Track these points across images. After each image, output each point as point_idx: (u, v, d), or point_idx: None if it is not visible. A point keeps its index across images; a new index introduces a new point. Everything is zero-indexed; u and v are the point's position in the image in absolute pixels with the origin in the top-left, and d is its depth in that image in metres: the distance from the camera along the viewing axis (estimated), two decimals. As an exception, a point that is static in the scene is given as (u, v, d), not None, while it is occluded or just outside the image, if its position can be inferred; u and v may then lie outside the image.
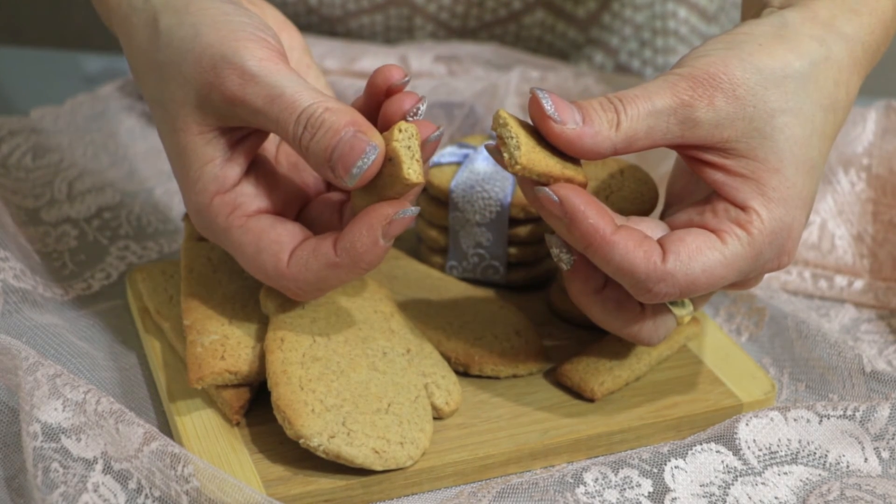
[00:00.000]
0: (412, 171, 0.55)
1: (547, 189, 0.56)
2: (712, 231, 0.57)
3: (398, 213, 0.56)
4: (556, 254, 0.59)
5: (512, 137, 0.55)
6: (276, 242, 0.58)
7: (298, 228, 0.59)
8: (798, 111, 0.58)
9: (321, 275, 0.57)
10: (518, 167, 0.55)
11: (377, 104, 0.59)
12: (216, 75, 0.56)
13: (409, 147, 0.55)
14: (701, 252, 0.56)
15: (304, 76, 0.66)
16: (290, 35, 0.68)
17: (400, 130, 0.55)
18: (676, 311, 0.61)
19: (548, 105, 0.55)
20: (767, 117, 0.57)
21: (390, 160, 0.55)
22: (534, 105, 0.56)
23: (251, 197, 0.59)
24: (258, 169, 0.60)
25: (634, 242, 0.56)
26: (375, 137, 0.55)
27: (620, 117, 0.56)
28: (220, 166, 0.58)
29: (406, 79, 0.58)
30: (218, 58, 0.56)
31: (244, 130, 0.59)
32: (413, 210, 0.57)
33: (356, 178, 0.55)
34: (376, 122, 0.59)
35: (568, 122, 0.55)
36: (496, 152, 0.57)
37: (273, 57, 0.57)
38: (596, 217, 0.55)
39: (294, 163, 0.64)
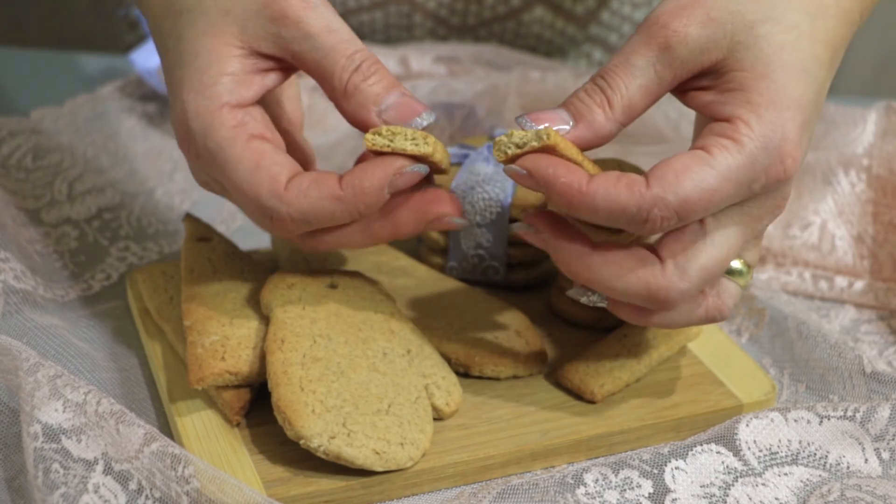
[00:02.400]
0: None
1: (513, 165, 0.56)
2: (700, 149, 0.55)
3: (411, 167, 0.56)
4: (588, 300, 0.59)
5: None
6: (278, 164, 0.56)
7: (298, 166, 0.58)
8: (780, 18, 0.56)
9: (318, 205, 0.56)
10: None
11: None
12: None
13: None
14: (688, 169, 0.54)
15: (290, 85, 0.67)
16: None
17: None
18: (735, 279, 0.59)
19: (527, 124, 0.56)
20: (748, 29, 0.56)
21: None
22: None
23: (259, 123, 0.58)
24: (270, 111, 0.60)
25: (612, 181, 0.54)
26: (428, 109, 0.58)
27: (608, 94, 0.56)
28: (238, 82, 0.57)
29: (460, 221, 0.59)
30: None
31: (272, 62, 0.58)
32: (424, 168, 0.57)
33: (417, 126, 0.56)
34: None
35: (558, 126, 0.56)
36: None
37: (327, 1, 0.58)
38: (567, 174, 0.54)
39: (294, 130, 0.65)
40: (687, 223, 0.55)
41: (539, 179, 0.55)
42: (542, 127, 0.56)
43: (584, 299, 0.59)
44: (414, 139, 0.56)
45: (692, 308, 0.58)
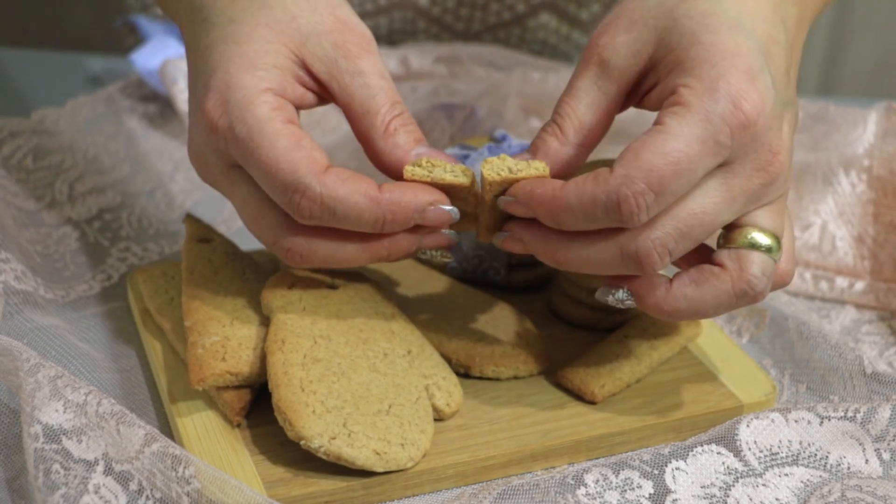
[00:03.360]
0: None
1: (503, 196, 0.58)
2: (653, 126, 0.55)
3: (446, 207, 0.58)
4: (615, 300, 0.59)
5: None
6: (317, 150, 0.57)
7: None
8: None
9: (352, 198, 0.56)
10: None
11: None
12: (348, 28, 0.60)
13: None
14: (644, 143, 0.54)
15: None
16: None
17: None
18: (761, 252, 0.58)
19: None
20: (667, 14, 0.57)
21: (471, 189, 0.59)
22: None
23: (295, 116, 0.59)
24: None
25: (581, 180, 0.55)
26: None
27: (559, 122, 0.59)
28: (284, 77, 0.59)
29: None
30: (355, 22, 0.60)
31: (313, 83, 0.60)
32: (456, 213, 0.59)
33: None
34: None
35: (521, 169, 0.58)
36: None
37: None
38: (542, 186, 0.56)
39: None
40: (666, 196, 0.54)
41: (521, 198, 0.57)
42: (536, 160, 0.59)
43: (610, 299, 0.59)
44: (453, 171, 0.58)
45: (718, 286, 0.57)
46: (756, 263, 0.57)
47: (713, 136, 0.54)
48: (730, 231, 0.58)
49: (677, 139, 0.54)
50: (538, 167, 0.58)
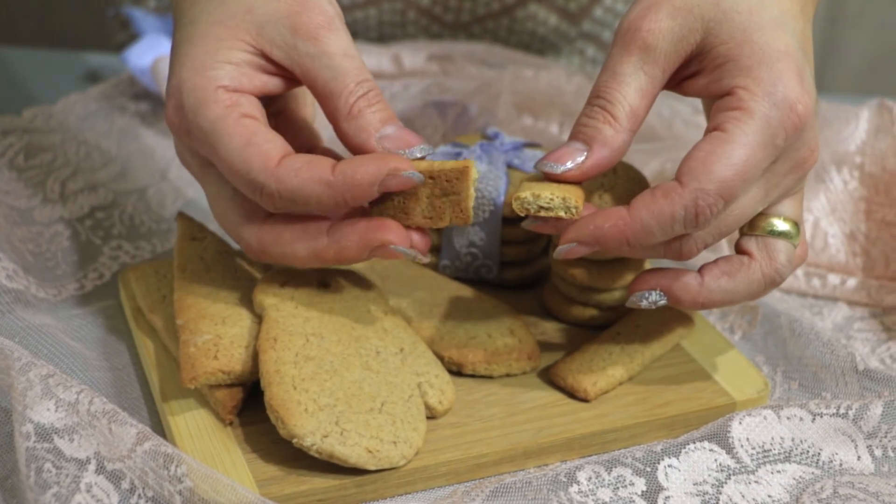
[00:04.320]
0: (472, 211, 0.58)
1: (560, 248, 0.59)
2: (714, 130, 0.57)
3: (407, 172, 0.57)
4: (650, 303, 0.60)
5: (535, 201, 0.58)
6: (270, 141, 0.57)
7: (290, 147, 0.59)
8: None
9: (307, 187, 0.56)
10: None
11: None
12: (306, 9, 0.58)
13: (475, 188, 0.58)
14: (712, 153, 0.56)
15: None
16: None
17: (476, 171, 0.58)
18: (784, 239, 0.60)
19: (554, 167, 0.59)
20: (713, 5, 0.58)
21: (452, 195, 0.58)
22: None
23: (254, 108, 0.59)
24: (272, 103, 0.61)
25: (648, 199, 0.57)
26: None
27: (609, 109, 0.59)
28: (240, 72, 0.58)
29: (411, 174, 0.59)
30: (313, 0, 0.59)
31: (277, 69, 0.59)
32: (419, 177, 0.58)
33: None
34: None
35: (577, 158, 0.58)
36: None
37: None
38: (606, 219, 0.57)
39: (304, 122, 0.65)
40: (732, 200, 0.57)
41: (589, 240, 0.58)
42: (570, 202, 0.58)
43: (644, 303, 0.61)
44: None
45: (749, 275, 0.59)
46: (782, 252, 0.60)
47: (772, 140, 0.57)
48: (753, 218, 0.60)
49: (743, 147, 0.56)
50: (570, 209, 0.58)
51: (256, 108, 0.59)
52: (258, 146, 0.57)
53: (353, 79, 0.58)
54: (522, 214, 0.59)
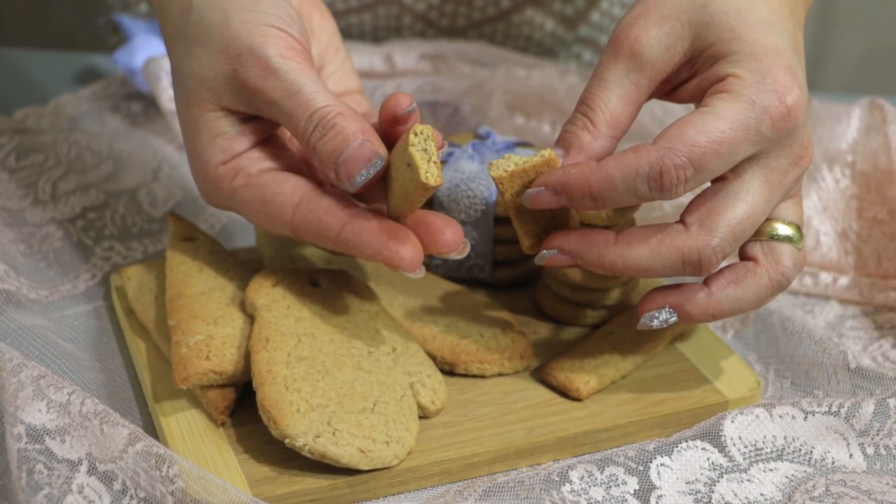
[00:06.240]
0: (430, 175, 0.56)
1: (528, 189, 0.58)
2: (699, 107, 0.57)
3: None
4: (661, 322, 0.60)
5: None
6: (280, 194, 0.59)
7: (301, 180, 0.60)
8: None
9: (318, 242, 0.60)
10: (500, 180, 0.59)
11: (387, 129, 0.61)
12: (240, 64, 0.59)
13: (425, 150, 0.57)
14: (690, 120, 0.56)
15: (332, 59, 0.69)
16: (321, 17, 0.71)
17: (416, 134, 0.56)
18: (787, 243, 0.60)
19: (538, 193, 0.58)
20: (701, 10, 0.59)
21: (408, 165, 0.56)
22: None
23: (255, 160, 0.61)
24: (269, 141, 0.62)
25: (620, 155, 0.56)
26: (381, 149, 0.58)
27: (590, 116, 0.59)
28: (228, 139, 0.61)
29: (412, 107, 0.59)
30: (244, 48, 0.59)
31: (254, 115, 0.61)
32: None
33: (358, 185, 0.58)
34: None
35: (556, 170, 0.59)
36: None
37: (296, 55, 0.59)
38: (574, 167, 0.57)
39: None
40: (704, 174, 0.56)
41: (554, 184, 0.57)
42: (544, 154, 0.58)
43: (655, 323, 0.60)
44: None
45: (756, 281, 0.59)
46: (787, 255, 0.60)
47: (756, 124, 0.56)
48: None
49: (722, 121, 0.56)
50: (544, 154, 0.58)
51: (258, 160, 0.61)
52: (271, 204, 0.60)
53: (301, 117, 0.58)
54: (498, 177, 0.58)
